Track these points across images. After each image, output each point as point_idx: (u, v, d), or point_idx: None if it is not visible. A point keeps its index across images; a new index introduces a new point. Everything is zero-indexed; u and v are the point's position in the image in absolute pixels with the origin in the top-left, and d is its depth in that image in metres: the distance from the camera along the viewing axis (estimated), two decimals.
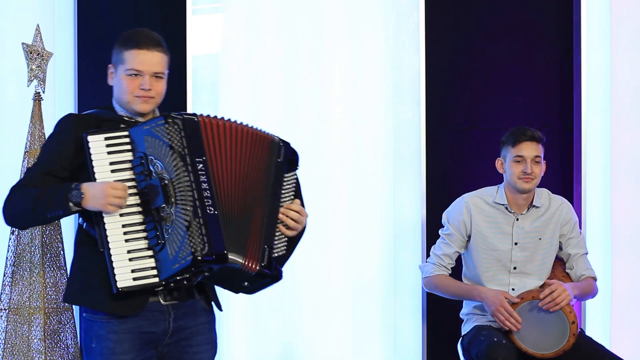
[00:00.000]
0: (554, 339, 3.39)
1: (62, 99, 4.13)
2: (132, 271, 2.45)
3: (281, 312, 4.16)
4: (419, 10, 4.25)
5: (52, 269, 3.58)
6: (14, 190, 2.56)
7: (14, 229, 3.56)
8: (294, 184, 2.73)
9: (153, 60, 2.63)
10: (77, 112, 2.66)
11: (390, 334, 4.24)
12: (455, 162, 4.27)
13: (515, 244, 3.57)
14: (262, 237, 2.58)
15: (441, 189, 4.22)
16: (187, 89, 4.13)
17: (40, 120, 3.62)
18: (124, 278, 2.44)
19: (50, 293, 3.56)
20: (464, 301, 3.67)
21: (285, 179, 2.69)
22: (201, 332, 2.65)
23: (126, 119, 2.63)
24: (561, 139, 4.32)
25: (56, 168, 2.55)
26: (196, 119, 2.55)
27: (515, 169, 3.52)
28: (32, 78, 3.62)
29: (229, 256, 2.46)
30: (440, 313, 4.20)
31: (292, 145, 2.74)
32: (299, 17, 4.22)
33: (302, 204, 2.73)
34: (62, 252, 3.62)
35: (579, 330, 3.51)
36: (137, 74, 2.61)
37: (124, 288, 2.44)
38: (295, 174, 2.74)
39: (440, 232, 3.69)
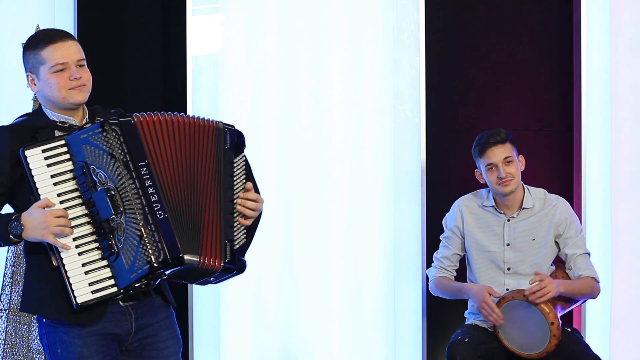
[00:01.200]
0: (538, 340, 3.38)
1: None
2: (90, 284, 2.44)
3: (282, 313, 4.16)
4: (419, 10, 4.25)
5: None
6: None
7: None
8: (244, 168, 2.68)
9: (72, 49, 2.57)
10: (2, 125, 2.59)
11: (390, 334, 4.24)
12: (455, 163, 4.27)
13: (508, 245, 3.57)
14: (221, 232, 2.56)
15: (441, 190, 4.22)
16: (187, 89, 4.13)
17: None
18: (82, 293, 2.42)
19: None
20: (468, 300, 3.68)
21: (235, 165, 2.65)
22: (164, 328, 2.65)
23: (59, 124, 2.58)
24: (561, 139, 4.31)
25: None
26: (133, 121, 2.50)
27: (491, 177, 3.53)
28: None
29: (185, 257, 2.45)
30: (440, 313, 4.20)
31: (237, 127, 2.69)
32: (298, 17, 4.22)
33: (255, 186, 2.69)
34: None
35: (569, 330, 3.50)
36: (62, 68, 2.56)
37: (84, 303, 2.43)
38: (244, 156, 2.69)
39: (440, 237, 3.73)
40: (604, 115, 4.29)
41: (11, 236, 2.44)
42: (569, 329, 3.53)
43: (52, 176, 2.46)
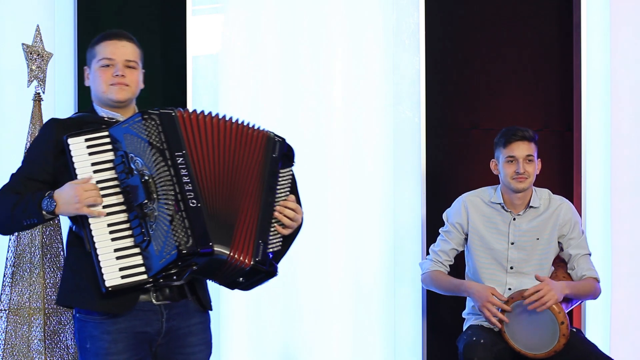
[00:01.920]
0: (546, 340, 3.39)
1: (62, 100, 4.13)
2: (120, 269, 2.46)
3: (281, 312, 4.16)
4: (419, 10, 4.25)
5: (52, 269, 3.58)
6: None
7: None
8: (290, 180, 2.72)
9: (123, 49, 2.66)
10: (55, 118, 2.67)
11: (390, 334, 4.24)
12: (455, 162, 4.27)
13: (512, 243, 3.58)
14: (257, 232, 2.57)
15: (441, 189, 4.22)
16: (187, 89, 4.13)
17: (40, 120, 3.62)
18: (112, 277, 2.44)
19: (50, 294, 3.56)
20: (466, 301, 3.68)
21: (280, 175, 2.68)
22: (194, 333, 2.66)
23: (107, 119, 2.64)
24: (561, 139, 4.32)
25: (38, 172, 2.57)
26: (173, 114, 2.55)
27: (508, 170, 3.53)
28: (32, 79, 3.62)
29: (215, 248, 2.45)
30: (440, 313, 4.20)
31: (288, 141, 2.74)
32: (299, 17, 4.22)
33: (298, 200, 2.73)
34: (62, 253, 3.62)
35: (573, 330, 3.51)
36: (109, 64, 2.64)
37: (113, 287, 2.44)
38: (291, 170, 2.73)
39: (440, 230, 3.72)
40: (604, 116, 4.29)
41: (44, 212, 2.48)
42: (573, 329, 3.54)
43: (93, 164, 2.50)
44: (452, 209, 3.71)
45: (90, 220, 2.47)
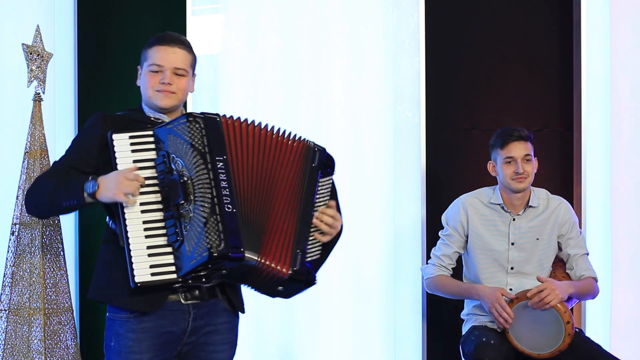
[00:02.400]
0: (550, 339, 3.39)
1: (62, 100, 4.13)
2: (151, 266, 2.48)
3: (281, 312, 4.16)
4: (419, 10, 4.25)
5: (52, 269, 3.58)
6: (37, 180, 2.62)
7: (14, 230, 3.56)
8: (329, 189, 2.74)
9: (174, 56, 2.67)
10: (103, 112, 2.73)
11: (390, 334, 4.24)
12: (456, 162, 4.27)
13: (512, 244, 3.58)
14: (295, 241, 2.60)
15: (441, 190, 4.22)
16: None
17: (40, 121, 3.62)
18: (142, 273, 2.46)
19: (50, 294, 3.56)
20: (465, 302, 3.68)
21: (320, 184, 2.70)
22: (220, 332, 2.67)
23: (153, 119, 2.67)
24: (561, 139, 4.32)
25: (81, 163, 2.61)
26: (218, 119, 2.56)
27: (507, 171, 3.53)
28: (32, 79, 3.62)
29: (246, 253, 2.47)
30: (440, 313, 4.20)
31: (328, 150, 2.76)
32: (299, 17, 4.22)
33: (339, 209, 2.74)
34: (62, 253, 3.62)
35: (576, 330, 3.51)
36: (158, 70, 2.66)
37: (142, 283, 2.46)
38: (331, 179, 2.75)
39: (440, 233, 3.71)
40: (604, 116, 4.29)
41: (86, 194, 2.51)
42: (577, 329, 3.54)
43: (135, 161, 2.53)
44: (451, 211, 3.69)
45: (126, 216, 2.49)
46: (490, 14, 4.34)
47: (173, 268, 2.48)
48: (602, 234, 4.28)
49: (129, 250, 2.47)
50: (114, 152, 2.52)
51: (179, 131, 2.50)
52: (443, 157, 4.27)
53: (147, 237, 2.48)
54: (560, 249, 3.64)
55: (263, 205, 2.58)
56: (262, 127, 2.64)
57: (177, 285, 2.52)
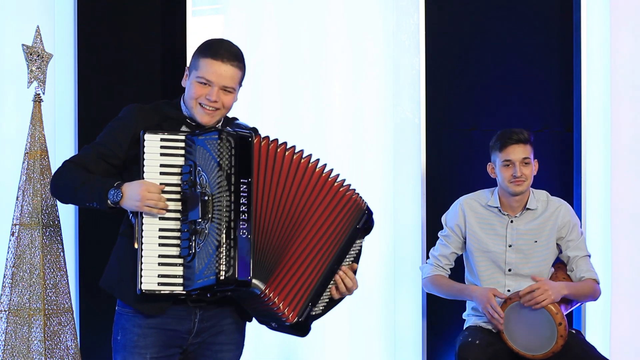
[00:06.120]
0: (544, 341, 3.39)
1: (62, 101, 4.13)
2: (159, 276, 2.49)
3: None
4: (419, 10, 4.25)
5: (52, 270, 3.58)
6: (67, 165, 2.62)
7: (14, 231, 3.56)
8: (359, 251, 2.74)
9: (225, 73, 2.62)
10: (138, 104, 2.72)
11: (390, 334, 4.24)
12: (455, 163, 4.27)
13: (510, 246, 3.58)
14: (312, 293, 2.62)
15: (441, 190, 4.22)
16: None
17: (40, 121, 3.62)
18: (149, 281, 2.48)
19: (50, 294, 3.56)
20: (466, 302, 3.68)
21: (354, 245, 2.71)
22: (226, 332, 2.69)
23: (188, 120, 2.65)
24: (561, 140, 4.32)
25: (110, 155, 2.61)
26: (250, 139, 2.54)
27: (505, 173, 3.53)
28: (32, 79, 3.62)
29: (253, 281, 2.50)
30: (440, 313, 4.20)
31: (373, 214, 2.75)
32: (299, 18, 4.22)
33: (355, 271, 2.74)
34: (62, 254, 3.62)
35: (574, 331, 3.51)
36: (206, 83, 2.61)
37: (148, 291, 2.48)
38: (363, 240, 2.75)
39: (439, 233, 3.72)
40: (604, 116, 4.29)
41: (109, 201, 2.51)
42: (573, 331, 3.54)
43: (162, 165, 2.53)
44: (450, 212, 3.71)
45: (145, 220, 2.50)
46: (490, 14, 4.34)
47: (180, 280, 2.50)
48: (602, 234, 4.28)
49: (141, 256, 2.49)
50: (144, 152, 2.52)
51: (209, 146, 2.49)
52: (443, 158, 4.27)
53: (160, 245, 2.50)
54: (560, 251, 3.64)
55: (285, 238, 2.59)
56: (304, 157, 2.63)
57: (181, 297, 2.54)
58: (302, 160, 2.63)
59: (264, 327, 4.14)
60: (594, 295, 3.57)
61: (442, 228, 3.74)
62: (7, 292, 3.56)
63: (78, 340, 3.67)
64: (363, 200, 2.73)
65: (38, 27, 3.66)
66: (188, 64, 2.70)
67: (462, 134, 4.30)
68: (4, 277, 3.58)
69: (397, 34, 4.30)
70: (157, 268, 2.49)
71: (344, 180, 2.69)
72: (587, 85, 4.24)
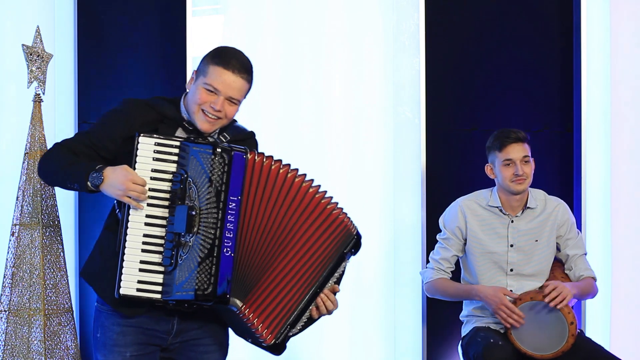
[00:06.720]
0: (553, 340, 3.39)
1: (62, 101, 4.14)
2: (139, 282, 2.47)
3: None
4: (419, 11, 4.25)
5: (52, 270, 3.58)
6: (56, 147, 2.60)
7: (14, 231, 3.57)
8: (342, 272, 2.71)
9: (234, 84, 2.59)
10: (137, 98, 2.69)
11: (390, 334, 4.24)
12: (455, 164, 4.27)
13: (511, 245, 3.57)
14: (292, 317, 2.61)
15: (441, 191, 4.22)
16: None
17: (40, 121, 3.62)
18: (128, 286, 2.46)
19: (50, 295, 3.56)
20: (463, 303, 3.67)
21: (340, 268, 2.68)
22: (209, 334, 2.68)
23: (186, 124, 2.62)
24: (561, 140, 4.32)
25: (101, 146, 2.58)
26: (244, 156, 2.50)
27: (506, 173, 3.52)
28: (32, 79, 3.62)
29: (231, 300, 2.49)
30: (440, 314, 4.20)
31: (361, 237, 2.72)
32: (299, 18, 4.22)
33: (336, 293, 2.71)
34: (62, 254, 3.62)
35: (578, 331, 3.51)
36: (213, 91, 2.58)
37: (125, 295, 2.46)
38: (348, 262, 2.71)
39: (437, 237, 3.69)
40: (604, 116, 4.29)
41: (89, 183, 2.48)
42: (578, 330, 3.54)
43: (153, 170, 2.49)
44: (449, 214, 3.68)
45: (130, 224, 2.47)
46: (490, 14, 4.34)
47: (159, 288, 2.48)
48: (602, 234, 4.29)
49: (122, 260, 2.47)
50: (137, 154, 2.49)
51: (202, 159, 2.46)
52: (443, 158, 4.27)
53: (143, 251, 2.48)
54: (558, 249, 3.64)
55: (270, 257, 2.57)
56: (298, 175, 2.59)
57: (158, 304, 2.52)
58: (296, 180, 2.59)
59: None
60: (593, 293, 3.59)
61: (440, 231, 3.71)
62: (7, 292, 3.56)
63: (78, 340, 3.67)
64: (353, 224, 2.68)
65: (38, 27, 3.67)
66: (196, 68, 2.67)
67: (462, 134, 4.30)
68: (4, 277, 3.59)
69: (397, 34, 4.30)
70: (137, 274, 2.47)
71: (336, 203, 2.65)
72: (587, 85, 4.24)
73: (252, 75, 2.66)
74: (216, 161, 2.46)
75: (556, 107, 4.33)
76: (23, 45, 3.62)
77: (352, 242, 2.67)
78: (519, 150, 3.50)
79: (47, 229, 3.58)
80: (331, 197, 2.64)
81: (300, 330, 2.67)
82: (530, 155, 3.54)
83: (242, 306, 2.53)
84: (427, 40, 4.24)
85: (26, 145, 3.60)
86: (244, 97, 2.67)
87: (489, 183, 3.73)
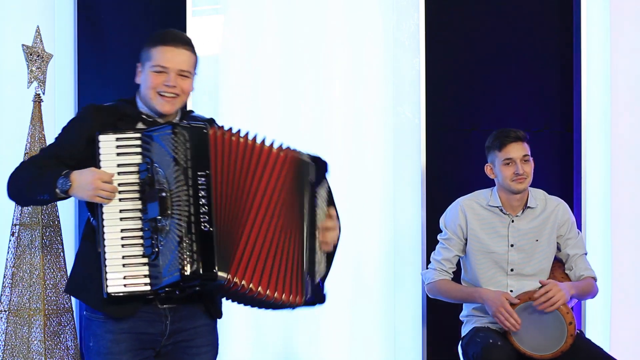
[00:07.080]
0: (552, 340, 3.39)
1: (62, 101, 4.14)
2: (125, 277, 2.46)
3: (281, 315, 4.16)
4: (419, 11, 4.26)
5: (52, 270, 3.58)
6: (20, 167, 2.61)
7: (14, 231, 3.57)
8: (327, 193, 2.70)
9: (179, 57, 2.61)
10: (96, 103, 2.68)
11: (390, 334, 4.24)
12: (455, 163, 4.27)
13: (512, 245, 3.57)
14: (304, 267, 2.59)
15: (441, 191, 4.22)
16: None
17: (40, 121, 3.62)
18: (115, 284, 2.45)
19: (50, 295, 3.57)
20: (463, 303, 3.67)
21: (317, 196, 2.66)
22: (201, 334, 2.66)
23: (144, 116, 2.62)
24: (561, 140, 4.32)
25: (65, 155, 2.57)
26: (205, 130, 2.50)
27: (506, 172, 3.52)
28: (32, 79, 3.63)
29: (219, 274, 2.45)
30: (440, 314, 4.20)
31: (322, 156, 2.69)
32: (299, 18, 4.22)
33: (335, 211, 2.70)
34: (62, 254, 3.62)
35: (577, 331, 3.51)
36: (162, 70, 2.59)
37: (114, 293, 2.45)
38: (326, 182, 2.70)
39: (438, 237, 3.68)
40: (604, 116, 4.29)
41: (57, 190, 2.48)
42: (577, 331, 3.54)
43: (119, 165, 2.49)
44: (450, 214, 3.67)
45: (105, 222, 2.46)
46: (490, 14, 4.34)
47: (147, 280, 2.47)
48: (602, 233, 4.29)
49: (105, 259, 2.45)
50: (99, 153, 2.48)
51: (164, 142, 2.46)
52: (443, 158, 4.27)
53: (123, 245, 2.46)
54: (559, 249, 3.64)
55: (244, 221, 2.54)
56: (250, 138, 2.58)
57: (149, 297, 2.51)
58: (257, 145, 2.58)
59: (263, 326, 4.18)
60: (593, 293, 3.59)
61: (440, 231, 3.71)
62: (7, 292, 3.57)
63: (78, 340, 3.67)
64: (301, 152, 2.65)
65: (38, 27, 3.67)
66: (139, 60, 2.67)
67: (462, 134, 4.30)
68: (4, 277, 3.59)
69: (397, 34, 4.30)
70: (122, 270, 2.45)
71: (283, 144, 2.62)
72: (587, 85, 4.24)
73: (193, 47, 2.67)
74: (178, 140, 2.44)
75: (556, 107, 4.34)
76: (23, 45, 3.62)
77: (311, 169, 2.65)
78: (519, 149, 3.50)
79: (47, 229, 3.58)
80: (282, 144, 2.62)
81: (327, 269, 2.66)
82: (530, 154, 3.54)
83: (228, 276, 2.46)
84: (427, 40, 4.25)
85: (26, 145, 3.60)
86: (195, 71, 2.67)
87: (489, 183, 3.73)
